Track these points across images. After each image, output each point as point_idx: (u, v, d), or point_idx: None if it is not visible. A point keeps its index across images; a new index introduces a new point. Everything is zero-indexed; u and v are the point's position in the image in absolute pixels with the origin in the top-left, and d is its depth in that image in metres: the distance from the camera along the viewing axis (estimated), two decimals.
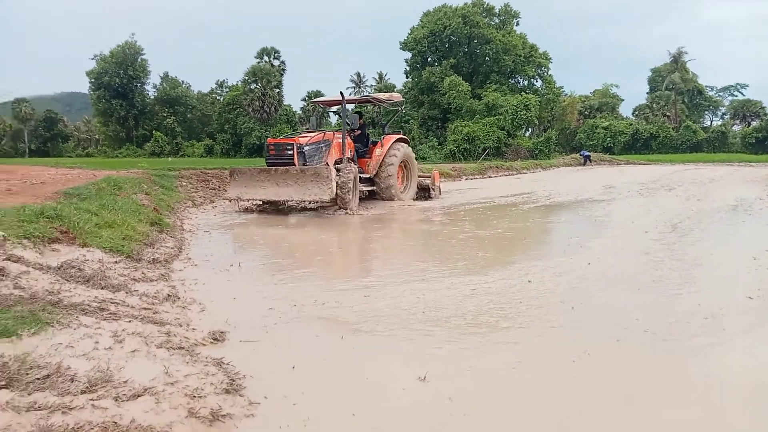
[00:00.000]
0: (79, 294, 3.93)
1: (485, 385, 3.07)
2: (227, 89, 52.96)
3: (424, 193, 14.13)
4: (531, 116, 38.83)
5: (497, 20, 44.54)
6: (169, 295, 4.44)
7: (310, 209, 11.63)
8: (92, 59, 48.76)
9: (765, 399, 2.90)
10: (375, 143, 13.06)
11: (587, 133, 50.35)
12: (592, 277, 5.53)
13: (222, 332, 3.70)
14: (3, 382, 2.44)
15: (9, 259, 4.15)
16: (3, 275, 3.83)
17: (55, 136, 56.70)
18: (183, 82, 54.02)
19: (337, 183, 10.59)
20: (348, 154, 11.88)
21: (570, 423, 2.63)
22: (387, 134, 13.48)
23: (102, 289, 4.22)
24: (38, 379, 2.55)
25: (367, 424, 2.56)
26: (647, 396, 2.93)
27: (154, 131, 48.21)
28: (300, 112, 52.26)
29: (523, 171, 29.44)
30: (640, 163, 37.79)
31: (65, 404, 2.37)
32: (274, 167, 10.86)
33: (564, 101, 49.38)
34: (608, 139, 49.48)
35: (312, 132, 12.57)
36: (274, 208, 11.48)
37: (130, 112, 49.35)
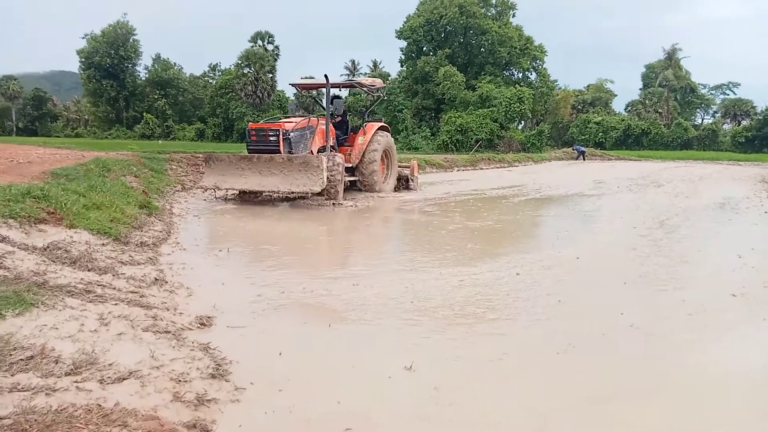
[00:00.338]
0: (65, 275, 3.90)
1: (471, 375, 3.09)
2: (220, 73, 52.41)
3: (403, 183, 13.60)
4: (524, 109, 38.87)
5: (494, 11, 44.37)
6: (156, 279, 4.41)
7: (291, 199, 10.86)
8: (83, 38, 48.08)
9: (744, 395, 2.95)
10: (354, 130, 12.37)
11: (579, 127, 50.55)
12: (580, 271, 5.58)
13: (209, 317, 3.69)
14: None
15: None
16: None
17: (44, 116, 55.91)
18: (175, 64, 53.37)
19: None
20: (331, 142, 11.26)
21: (554, 414, 2.66)
22: (368, 122, 12.66)
23: (88, 271, 4.19)
24: (22, 360, 2.53)
25: (353, 412, 2.57)
26: (630, 390, 2.97)
27: (144, 113, 47.67)
28: (293, 97, 51.90)
29: (514, 164, 29.51)
30: (630, 159, 38.03)
31: (49, 386, 2.35)
32: (256, 155, 10.06)
33: (558, 95, 49.46)
34: (600, 134, 49.72)
35: (296, 117, 11.79)
36: (251, 199, 10.74)
37: (120, 93, 48.72)
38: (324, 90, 12.21)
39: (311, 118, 11.32)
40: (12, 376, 2.39)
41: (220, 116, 46.75)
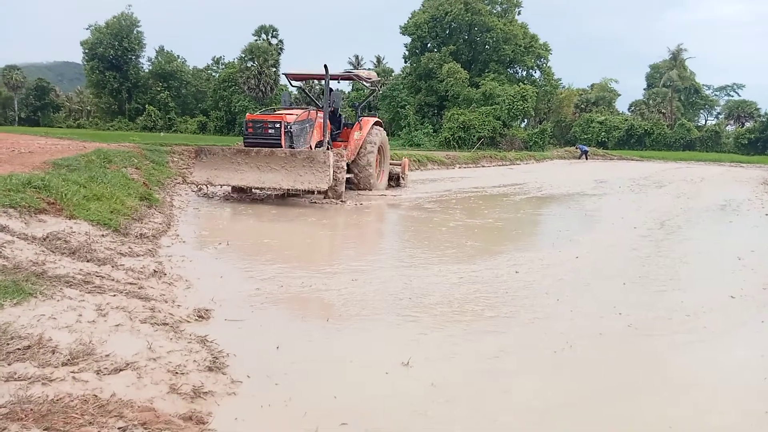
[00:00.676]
0: (64, 266, 3.90)
1: (468, 372, 3.09)
2: (223, 66, 52.29)
3: (394, 181, 13.04)
4: (527, 107, 38.74)
5: (499, 8, 44.19)
6: (155, 271, 4.41)
7: (284, 197, 10.18)
8: (87, 29, 47.95)
9: (742, 396, 2.95)
10: (347, 125, 11.82)
11: (582, 126, 50.39)
12: (580, 270, 5.57)
13: (207, 310, 3.69)
14: None
15: None
16: None
17: (46, 106, 55.85)
18: (178, 56, 53.22)
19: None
20: (327, 137, 10.67)
21: (550, 412, 2.66)
22: (362, 116, 11.96)
23: (87, 262, 4.19)
24: (19, 349, 2.54)
25: (349, 407, 2.57)
26: (627, 390, 2.97)
27: (147, 105, 47.60)
28: (295, 92, 51.81)
29: (516, 162, 29.46)
30: (633, 159, 37.94)
31: (45, 376, 2.36)
32: (255, 148, 9.31)
33: (561, 94, 49.30)
34: (603, 133, 49.56)
35: (295, 108, 11.06)
36: (243, 198, 10.01)
37: (123, 84, 48.65)
38: (316, 82, 12.16)
39: (311, 111, 10.62)
40: (9, 365, 2.39)
41: (222, 109, 46.70)
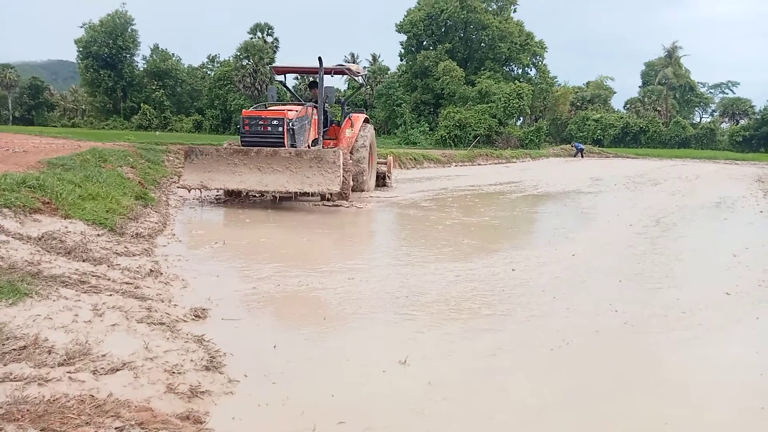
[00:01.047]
0: (60, 266, 3.89)
1: (465, 370, 3.10)
2: (218, 64, 52.18)
3: (380, 181, 12.46)
4: (523, 105, 38.82)
5: (495, 6, 44.25)
6: (151, 270, 4.40)
7: (280, 199, 9.23)
8: (81, 27, 47.78)
9: (737, 393, 2.97)
10: (333, 122, 11.15)
11: (578, 124, 50.53)
12: (576, 268, 5.58)
13: (204, 309, 3.68)
14: None
15: None
16: None
17: (41, 105, 55.62)
18: (173, 54, 53.08)
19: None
20: (321, 134, 10.09)
21: (547, 410, 2.67)
22: (349, 113, 11.20)
23: (83, 261, 4.17)
24: (15, 350, 2.53)
25: (346, 406, 2.58)
26: (623, 387, 2.98)
27: (142, 104, 47.47)
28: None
29: (512, 160, 29.52)
30: (628, 157, 38.08)
31: (42, 376, 2.35)
32: (255, 148, 8.55)
33: (557, 91, 49.41)
34: (598, 131, 49.71)
35: (290, 104, 10.29)
36: (235, 201, 9.19)
37: (118, 83, 48.48)
38: (304, 76, 11.67)
39: (308, 107, 9.82)
40: (5, 366, 2.38)
41: (218, 108, 46.60)
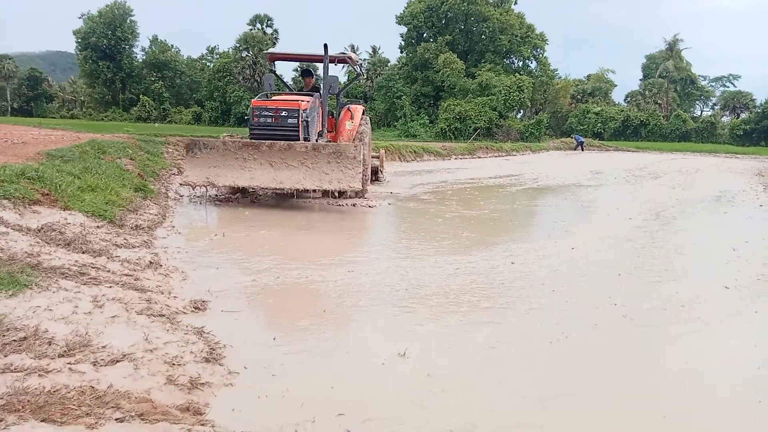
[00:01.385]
0: (60, 257, 3.88)
1: (464, 362, 3.10)
2: (218, 56, 51.90)
3: (372, 175, 11.71)
4: (524, 98, 38.67)
5: None
6: (151, 262, 4.40)
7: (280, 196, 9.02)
8: (80, 18, 47.49)
9: (736, 386, 2.98)
10: (331, 114, 10.30)
11: (578, 117, 50.37)
12: (575, 261, 5.59)
13: (204, 301, 3.69)
14: None
15: None
16: None
17: (39, 96, 55.36)
18: (172, 46, 52.77)
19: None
20: (326, 127, 9.55)
21: (545, 402, 2.68)
22: (345, 104, 10.47)
23: (83, 253, 4.17)
24: (15, 341, 2.53)
25: (346, 397, 2.59)
26: (621, 379, 2.99)
27: (141, 95, 47.26)
28: (291, 82, 51.57)
29: (512, 153, 29.46)
30: (629, 150, 38.00)
31: (42, 367, 2.35)
32: (267, 142, 7.90)
33: (557, 84, 49.23)
34: (599, 124, 49.57)
35: (295, 93, 9.54)
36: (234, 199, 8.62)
37: (117, 74, 48.25)
38: (298, 65, 11.05)
39: (316, 97, 9.09)
40: (5, 357, 2.38)
41: (217, 100, 46.41)
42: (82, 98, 55.94)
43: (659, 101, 54.46)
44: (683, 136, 49.11)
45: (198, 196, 8.40)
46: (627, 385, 2.92)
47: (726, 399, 2.82)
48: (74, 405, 2.11)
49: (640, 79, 59.22)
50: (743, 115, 53.46)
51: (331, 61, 9.97)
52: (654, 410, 2.62)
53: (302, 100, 8.61)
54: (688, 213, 9.51)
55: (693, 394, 2.86)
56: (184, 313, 3.46)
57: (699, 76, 58.98)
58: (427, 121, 40.05)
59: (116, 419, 2.07)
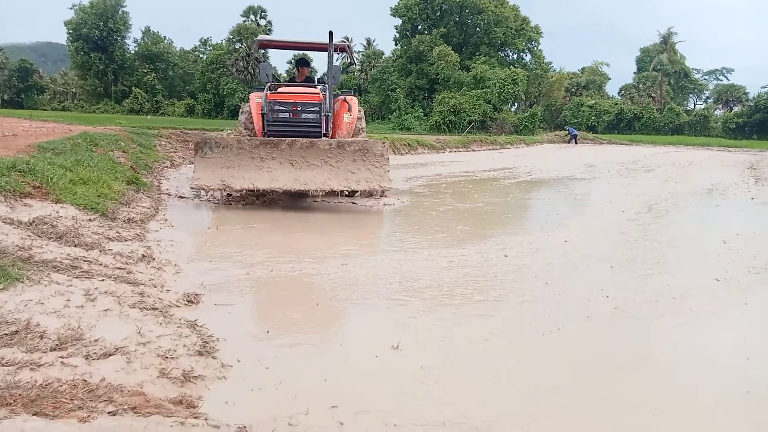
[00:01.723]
0: (51, 251, 3.86)
1: (457, 355, 3.12)
2: (211, 47, 51.62)
3: None
4: (518, 91, 38.70)
5: None
6: (144, 256, 4.39)
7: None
8: (71, 9, 47.13)
9: (726, 377, 3.01)
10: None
11: (572, 110, 50.46)
12: (568, 254, 5.61)
13: (197, 295, 3.68)
14: None
15: None
16: None
17: (30, 88, 54.86)
18: (165, 37, 52.52)
19: None
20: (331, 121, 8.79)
21: (538, 394, 2.70)
22: (336, 95, 9.39)
23: (75, 246, 4.15)
24: (6, 334, 2.52)
25: (339, 390, 2.59)
26: (613, 372, 3.02)
27: (133, 87, 46.97)
28: (285, 75, 51.35)
29: (506, 146, 29.49)
30: (622, 143, 38.11)
31: (33, 361, 2.34)
32: (287, 139, 7.26)
33: (552, 77, 49.26)
34: (593, 117, 49.69)
35: (304, 85, 8.86)
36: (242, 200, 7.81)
37: (109, 66, 47.91)
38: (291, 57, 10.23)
39: (324, 88, 8.46)
40: None
41: (210, 92, 46.20)
42: (73, 90, 55.51)
43: (653, 94, 54.65)
44: (676, 130, 49.32)
45: (208, 200, 7.76)
46: (619, 377, 2.94)
47: (716, 390, 2.85)
48: (66, 398, 2.10)
49: (635, 72, 59.44)
50: (736, 109, 53.73)
51: (335, 50, 9.23)
52: (645, 401, 2.65)
53: (318, 93, 8.04)
54: (680, 206, 9.56)
55: (684, 386, 2.88)
56: (177, 306, 3.46)
57: (693, 69, 59.19)
58: (422, 113, 40.02)
59: (109, 412, 2.07)
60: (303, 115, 7.65)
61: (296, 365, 2.86)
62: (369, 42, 57.91)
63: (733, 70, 60.58)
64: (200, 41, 54.52)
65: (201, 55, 52.35)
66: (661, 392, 2.76)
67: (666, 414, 2.56)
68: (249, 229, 6.38)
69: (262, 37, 9.62)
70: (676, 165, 19.92)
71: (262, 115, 7.83)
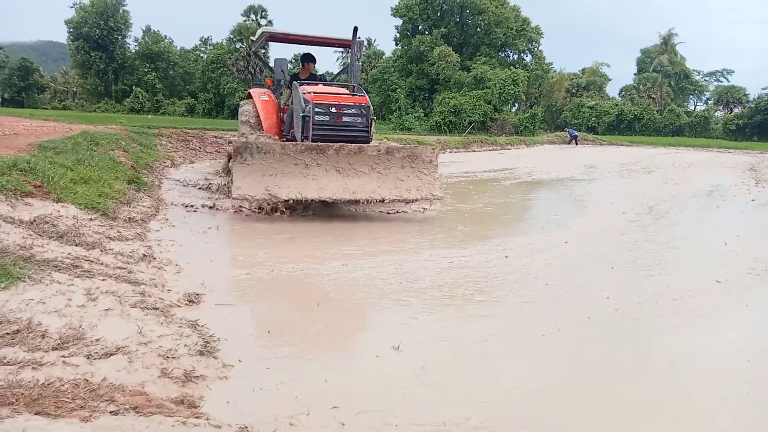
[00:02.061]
0: (52, 250, 3.87)
1: (458, 355, 3.12)
2: (211, 47, 51.57)
3: None
4: (518, 91, 38.66)
5: None
6: (144, 255, 4.39)
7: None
8: (71, 7, 46.96)
9: (726, 378, 3.01)
10: None
11: (573, 111, 50.42)
12: (568, 255, 5.62)
13: (198, 294, 3.68)
14: None
15: None
16: None
17: (30, 87, 54.76)
18: (166, 36, 52.38)
19: None
20: None
21: (538, 395, 2.71)
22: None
23: (76, 246, 4.15)
24: (8, 334, 2.52)
25: (340, 390, 2.60)
26: (614, 372, 3.02)
27: (134, 87, 46.89)
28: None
29: (507, 147, 29.49)
30: (622, 145, 38.09)
31: (35, 360, 2.35)
32: (335, 144, 6.78)
33: (552, 78, 49.24)
34: (593, 118, 49.65)
35: (336, 85, 8.36)
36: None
37: (109, 65, 47.83)
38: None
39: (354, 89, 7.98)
40: None
41: (211, 92, 46.18)
42: (74, 89, 55.43)
43: (653, 95, 54.61)
44: (677, 131, 49.29)
45: (251, 210, 7.10)
46: (618, 378, 2.94)
47: (716, 391, 2.86)
48: (68, 398, 2.11)
49: (635, 74, 59.40)
50: (736, 110, 53.68)
51: (343, 46, 9.13)
52: (645, 403, 2.65)
53: (364, 95, 7.67)
54: (680, 207, 9.56)
55: (683, 387, 2.89)
56: (178, 306, 3.46)
57: (693, 70, 59.16)
58: (422, 114, 39.97)
59: (110, 412, 2.07)
60: (348, 119, 7.15)
61: (297, 365, 2.87)
62: (369, 42, 57.87)
63: (733, 72, 60.61)
64: (201, 40, 54.44)
65: (201, 55, 52.28)
66: (661, 393, 2.76)
67: (666, 415, 2.57)
68: (250, 228, 6.38)
69: (269, 28, 8.98)
70: (677, 166, 19.91)
71: (304, 117, 7.05)
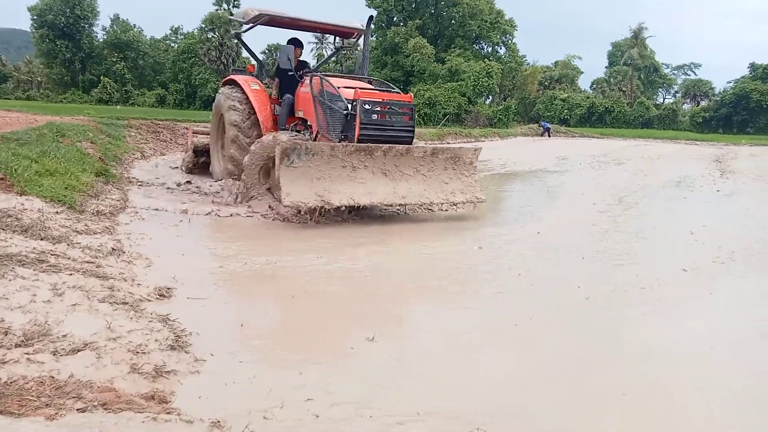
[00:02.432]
0: (16, 244, 3.75)
1: (432, 346, 3.14)
2: (182, 36, 50.49)
3: None
4: (492, 84, 38.93)
5: None
6: (113, 249, 4.29)
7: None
8: None
9: (693, 365, 3.10)
10: None
11: (546, 104, 51.03)
12: (541, 245, 5.70)
13: (169, 288, 3.62)
14: None
15: None
16: None
17: None
18: (135, 25, 51.06)
19: None
20: None
21: (509, 385, 2.74)
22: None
23: (41, 240, 4.03)
24: None
25: (314, 382, 2.59)
26: (584, 361, 3.08)
27: (102, 77, 45.63)
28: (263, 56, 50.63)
29: (481, 139, 29.70)
30: (594, 137, 38.71)
31: None
32: (384, 146, 6.33)
33: (526, 71, 49.70)
34: (565, 111, 50.33)
35: (355, 78, 7.64)
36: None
37: (76, 54, 46.43)
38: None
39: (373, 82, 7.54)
40: None
41: (182, 82, 45.25)
42: (38, 79, 53.68)
43: (623, 88, 55.62)
44: (646, 123, 50.35)
45: (302, 214, 6.31)
46: (589, 366, 3.00)
47: (682, 377, 2.94)
48: (33, 396, 2.05)
49: (606, 67, 60.34)
50: (703, 103, 55.09)
51: (345, 34, 8.80)
52: (614, 389, 2.71)
53: (410, 93, 7.01)
54: (649, 198, 9.78)
55: (651, 373, 2.96)
56: (149, 300, 3.40)
57: (662, 64, 60.42)
58: None
59: (78, 409, 2.02)
60: (395, 117, 6.67)
61: (270, 359, 2.84)
62: None
63: (700, 66, 62.25)
64: (171, 30, 53.21)
65: (172, 44, 51.14)
66: (630, 380, 2.83)
67: (634, 400, 2.63)
68: (222, 221, 6.29)
69: (264, 8, 7.80)
70: (646, 158, 20.33)
71: (347, 116, 6.46)
